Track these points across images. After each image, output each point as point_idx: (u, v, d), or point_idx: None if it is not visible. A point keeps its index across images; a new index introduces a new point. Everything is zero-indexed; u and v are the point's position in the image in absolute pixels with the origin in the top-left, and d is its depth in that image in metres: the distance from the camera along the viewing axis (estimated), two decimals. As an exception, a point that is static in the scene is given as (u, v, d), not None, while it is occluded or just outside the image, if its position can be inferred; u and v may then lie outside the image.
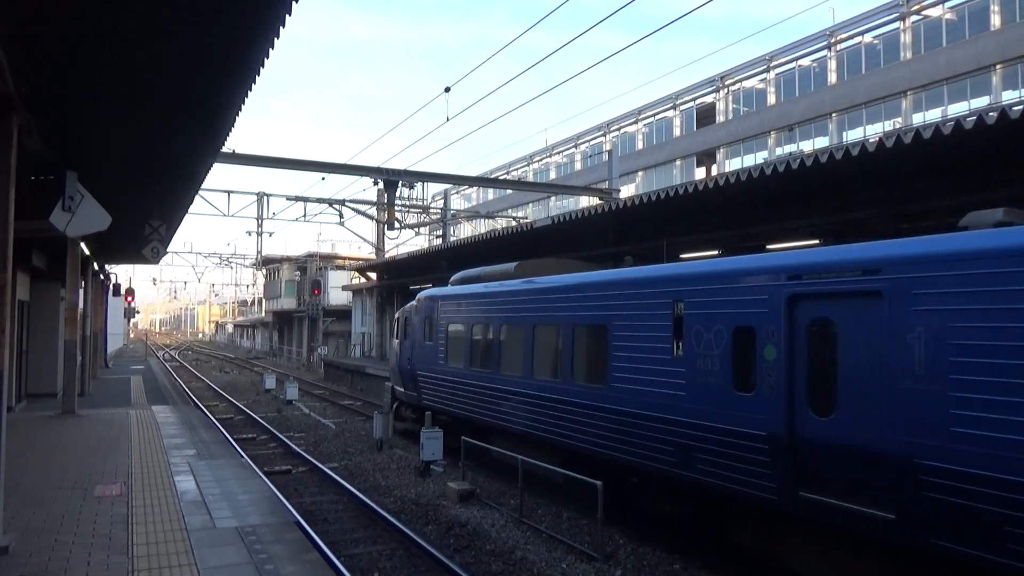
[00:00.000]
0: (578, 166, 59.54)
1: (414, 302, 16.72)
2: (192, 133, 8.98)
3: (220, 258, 65.99)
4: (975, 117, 8.35)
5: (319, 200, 31.80)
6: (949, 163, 9.98)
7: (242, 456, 13.98)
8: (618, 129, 56.30)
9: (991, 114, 8.27)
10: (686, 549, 9.29)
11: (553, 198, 58.85)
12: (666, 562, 8.94)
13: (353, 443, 17.87)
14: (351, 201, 32.74)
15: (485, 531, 10.24)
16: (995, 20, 32.57)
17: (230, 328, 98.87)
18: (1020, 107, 7.97)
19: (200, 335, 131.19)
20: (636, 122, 54.56)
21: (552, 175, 62.92)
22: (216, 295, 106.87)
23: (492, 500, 11.93)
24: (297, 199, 31.09)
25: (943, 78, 33.82)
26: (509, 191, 62.48)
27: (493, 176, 63.82)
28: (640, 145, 54.08)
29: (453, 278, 15.80)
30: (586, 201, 43.95)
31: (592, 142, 58.68)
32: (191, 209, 16.99)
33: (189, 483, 10.00)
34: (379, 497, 12.20)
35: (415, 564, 8.93)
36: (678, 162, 49.92)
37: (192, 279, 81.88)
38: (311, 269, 50.49)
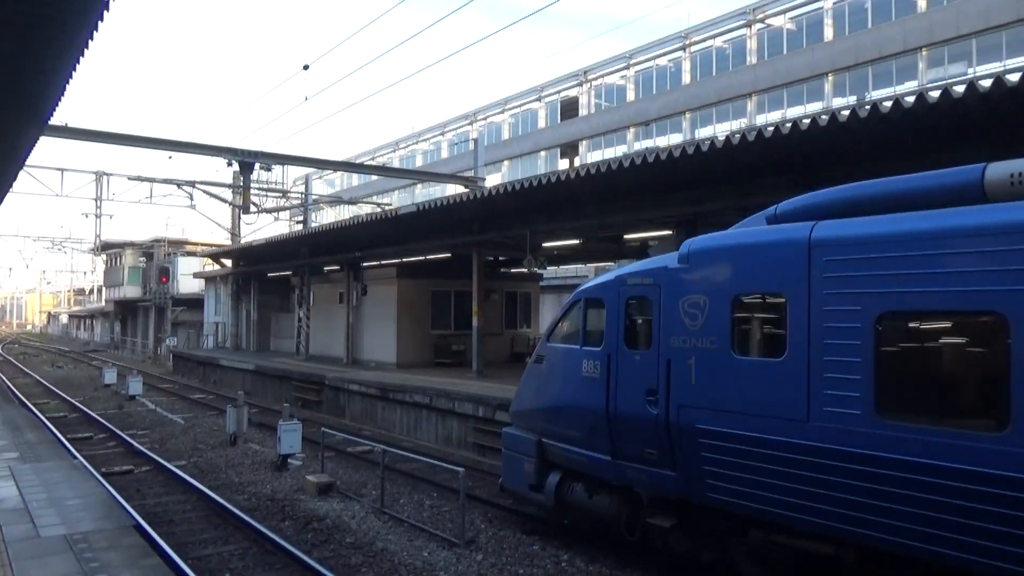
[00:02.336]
0: (445, 154, 59.33)
1: (631, 271, 7.59)
2: (8, 104, 8.06)
3: (52, 242, 60.37)
4: (790, 123, 9.03)
5: (166, 181, 29.73)
6: (784, 162, 10.75)
7: (75, 457, 12.84)
8: (484, 118, 56.56)
9: (804, 120, 8.97)
10: (544, 531, 9.51)
11: (419, 185, 58.31)
12: (525, 544, 9.09)
13: (204, 439, 16.88)
14: (202, 183, 30.85)
15: (345, 524, 9.99)
16: (828, 32, 35.49)
17: (65, 319, 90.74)
18: (827, 115, 8.69)
19: (29, 327, 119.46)
20: (503, 112, 55.04)
21: (419, 162, 62.32)
22: (48, 282, 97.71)
23: (353, 492, 11.66)
24: (141, 179, 28.90)
25: (783, 83, 36.51)
26: (374, 177, 61.26)
27: (358, 161, 62.30)
28: (506, 135, 54.63)
29: (781, 209, 6.55)
30: (452, 189, 43.91)
31: (459, 130, 58.62)
32: (15, 188, 15.34)
33: (9, 489, 9.05)
34: (231, 494, 11.59)
35: (269, 562, 8.56)
36: (543, 153, 50.89)
37: (19, 264, 74.34)
38: (158, 255, 47.19)
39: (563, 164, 49.81)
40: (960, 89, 7.63)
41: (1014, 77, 7.38)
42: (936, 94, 7.86)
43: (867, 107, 8.36)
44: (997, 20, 28.71)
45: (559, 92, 50.41)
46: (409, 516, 10.30)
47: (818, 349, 5.66)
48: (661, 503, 7.36)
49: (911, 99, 8.05)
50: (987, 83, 7.50)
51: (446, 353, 22.51)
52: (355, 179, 68.62)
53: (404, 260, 23.68)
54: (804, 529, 5.86)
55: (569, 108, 49.69)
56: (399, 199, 58.86)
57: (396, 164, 62.73)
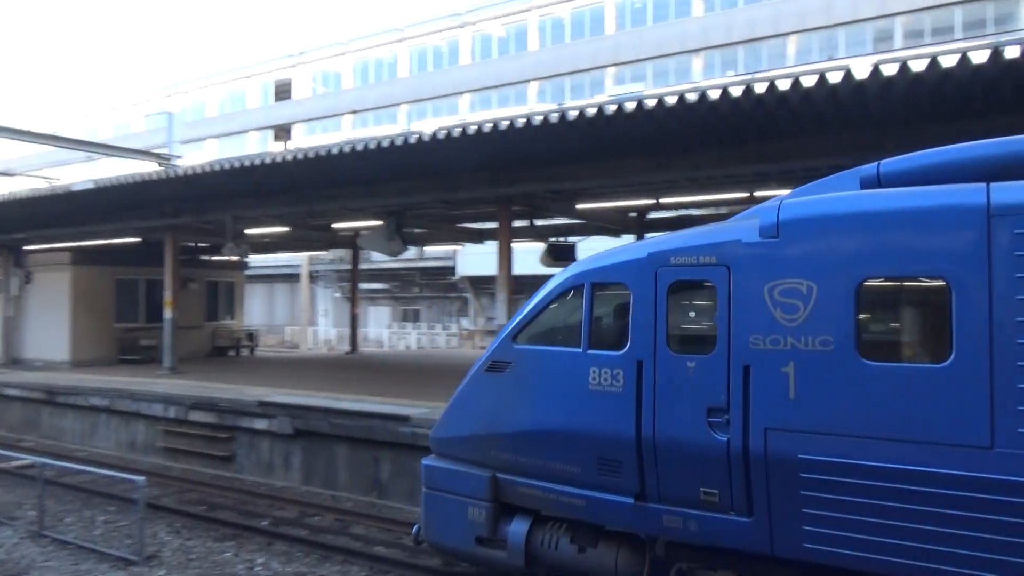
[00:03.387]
0: (138, 127, 53.12)
1: (676, 246, 5.46)
2: None
3: None
4: (490, 123, 9.50)
5: None
6: (486, 161, 11.31)
7: None
8: (184, 91, 51.72)
9: (503, 121, 9.40)
10: (238, 535, 8.93)
11: (104, 159, 51.52)
12: (216, 552, 8.46)
13: None
14: None
15: (-12, 555, 8.43)
16: (533, 42, 38.23)
17: None
18: (525, 118, 9.34)
19: None
20: (207, 87, 50.78)
21: (109, 134, 55.04)
22: None
23: (3, 515, 9.89)
24: None
25: (494, 85, 38.61)
26: (51, 147, 52.82)
27: (26, 129, 53.23)
28: (212, 112, 50.52)
29: (888, 168, 5.11)
30: (144, 166, 39.49)
31: (155, 103, 52.86)
32: None
33: None
34: None
35: None
36: (253, 134, 47.97)
37: None
38: None
39: (276, 147, 47.45)
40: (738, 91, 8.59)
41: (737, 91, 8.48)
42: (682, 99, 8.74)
43: (574, 112, 9.04)
44: (667, 50, 33.34)
45: (273, 71, 47.87)
46: (77, 536, 9.01)
47: (1007, 351, 4.13)
48: (698, 554, 5.34)
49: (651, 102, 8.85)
50: (765, 87, 8.53)
51: (133, 349, 20.17)
52: (29, 149, 58.59)
53: (81, 244, 20.70)
54: None
55: (283, 90, 47.44)
56: (83, 174, 51.46)
57: (81, 136, 54.71)
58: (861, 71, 6.98)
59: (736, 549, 5.00)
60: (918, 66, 6.75)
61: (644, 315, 5.30)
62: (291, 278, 41.92)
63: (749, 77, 8.74)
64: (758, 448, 4.71)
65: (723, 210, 17.33)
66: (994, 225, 4.22)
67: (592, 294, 5.66)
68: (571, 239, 17.48)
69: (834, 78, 7.12)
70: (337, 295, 41.14)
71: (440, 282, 38.01)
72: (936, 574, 4.21)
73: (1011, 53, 6.41)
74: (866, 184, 4.99)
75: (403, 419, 10.31)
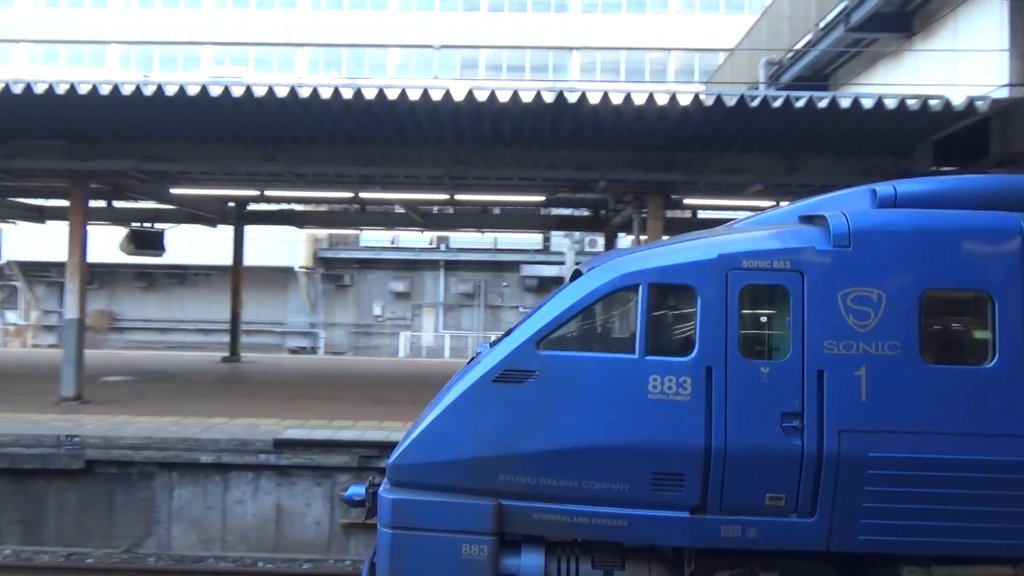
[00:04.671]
0: None
1: (749, 249, 5.35)
2: None
3: None
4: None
5: None
6: (60, 127, 9.76)
7: None
8: None
9: (85, 85, 8.31)
10: None
11: None
12: None
13: None
14: None
15: None
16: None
17: None
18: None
19: None
20: None
21: None
22: None
23: None
24: None
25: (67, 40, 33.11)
26: None
27: None
28: None
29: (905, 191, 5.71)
30: None
31: None
32: None
33: None
34: None
35: None
36: None
37: None
38: None
39: None
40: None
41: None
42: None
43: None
44: (271, 38, 32.48)
45: None
46: None
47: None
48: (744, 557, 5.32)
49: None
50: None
51: None
52: None
53: None
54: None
55: None
56: None
57: None
58: (437, 93, 8.05)
59: (793, 550, 5.09)
60: (481, 96, 8.05)
61: (714, 319, 5.07)
62: None
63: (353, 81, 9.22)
64: (832, 449, 4.89)
65: (323, 207, 17.67)
66: None
67: (649, 295, 5.21)
68: (159, 225, 15.92)
69: (395, 94, 8.05)
70: None
71: (-25, 266, 31.15)
72: (975, 547, 4.97)
73: (548, 97, 8.04)
74: (884, 203, 5.42)
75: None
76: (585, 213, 17.62)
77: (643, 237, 10.78)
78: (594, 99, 8.08)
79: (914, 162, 10.18)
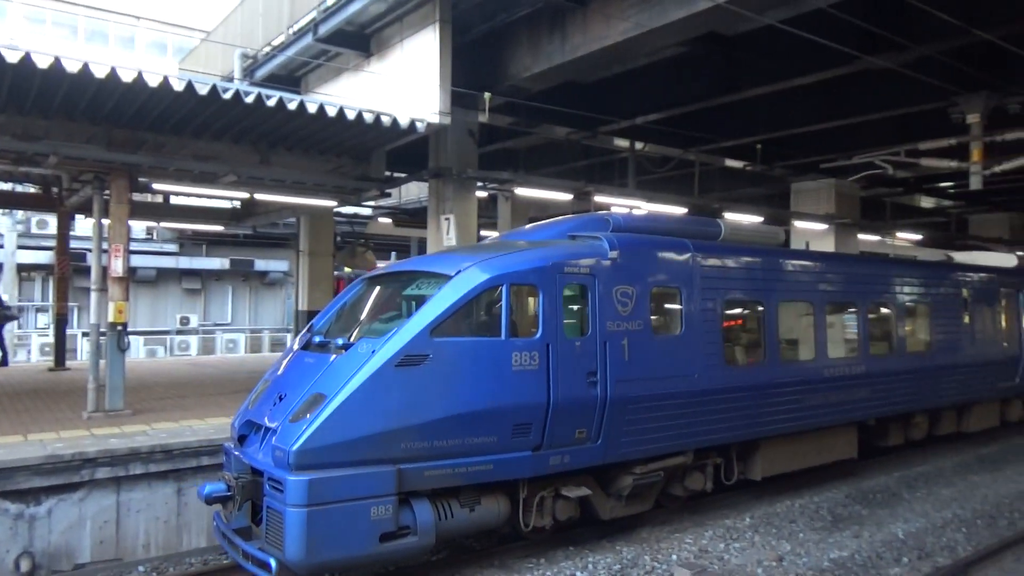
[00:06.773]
0: None
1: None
2: None
3: None
4: None
5: None
6: None
7: None
8: None
9: None
10: None
11: None
12: None
13: None
14: None
15: None
16: None
17: None
18: None
19: None
20: None
21: None
22: None
23: None
24: None
25: None
26: None
27: None
28: None
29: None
30: None
31: None
32: None
33: None
34: None
35: None
36: None
37: None
38: None
39: None
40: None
41: None
42: None
43: None
44: None
45: None
46: None
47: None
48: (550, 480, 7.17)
49: None
50: None
51: None
52: None
53: None
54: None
55: None
56: None
57: None
58: None
59: (586, 467, 7.13)
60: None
61: (549, 309, 6.85)
62: None
63: None
64: (612, 394, 7.09)
65: None
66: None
67: (509, 292, 6.73)
68: None
69: None
70: None
71: None
72: (670, 447, 7.70)
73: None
74: (616, 228, 7.86)
75: None
76: (32, 190, 15.20)
77: (105, 221, 9.88)
78: (44, 63, 7.14)
79: (371, 167, 11.61)
